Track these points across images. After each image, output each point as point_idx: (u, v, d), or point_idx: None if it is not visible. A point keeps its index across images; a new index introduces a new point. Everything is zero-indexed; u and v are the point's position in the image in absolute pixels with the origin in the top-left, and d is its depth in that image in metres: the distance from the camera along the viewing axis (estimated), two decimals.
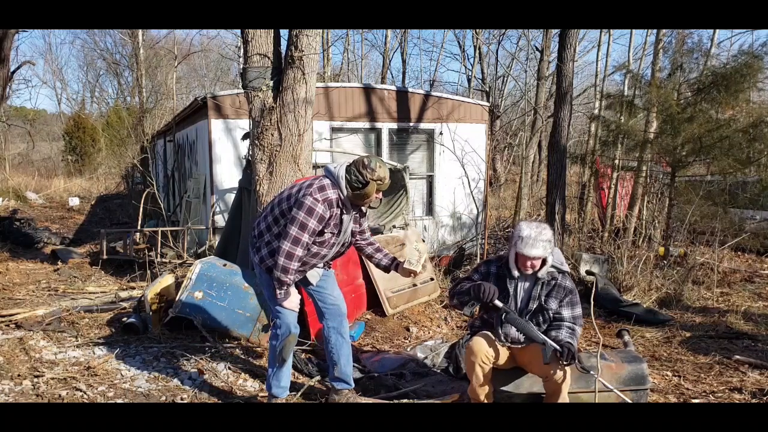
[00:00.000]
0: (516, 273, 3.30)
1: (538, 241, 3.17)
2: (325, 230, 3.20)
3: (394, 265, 3.51)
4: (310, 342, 4.62)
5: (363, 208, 3.41)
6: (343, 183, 3.17)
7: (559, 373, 3.15)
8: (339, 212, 3.22)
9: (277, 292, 3.24)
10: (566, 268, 3.37)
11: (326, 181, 3.20)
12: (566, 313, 3.32)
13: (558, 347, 3.11)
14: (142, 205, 9.10)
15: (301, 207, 3.11)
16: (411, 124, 8.63)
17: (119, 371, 4.16)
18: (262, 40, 4.89)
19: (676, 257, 8.14)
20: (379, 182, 3.17)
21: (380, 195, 3.28)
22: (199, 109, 8.32)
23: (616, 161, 10.95)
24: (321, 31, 5.43)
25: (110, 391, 3.84)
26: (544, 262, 3.25)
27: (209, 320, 4.66)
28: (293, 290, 3.30)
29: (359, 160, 3.19)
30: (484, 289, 3.19)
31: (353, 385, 3.66)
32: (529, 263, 3.23)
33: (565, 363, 3.09)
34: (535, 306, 3.32)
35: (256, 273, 3.53)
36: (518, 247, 3.20)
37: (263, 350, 4.56)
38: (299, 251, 3.14)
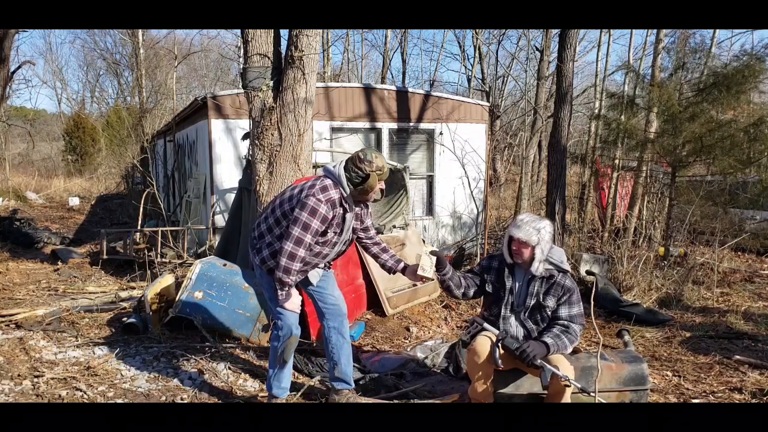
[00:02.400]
0: (508, 258, 3.36)
1: (526, 224, 3.26)
2: (328, 230, 3.20)
3: (400, 268, 3.48)
4: (310, 342, 4.62)
5: (367, 202, 3.40)
6: (344, 181, 3.18)
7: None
8: (342, 211, 3.22)
9: (279, 293, 3.23)
10: (567, 267, 3.36)
11: (328, 181, 3.20)
12: (563, 312, 3.31)
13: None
14: (142, 205, 9.10)
15: (304, 208, 3.10)
16: (411, 124, 8.63)
17: (119, 371, 4.16)
18: (262, 40, 4.89)
19: (676, 257, 8.14)
20: (379, 172, 3.18)
21: (382, 185, 3.28)
22: (199, 109, 8.32)
23: (617, 161, 10.95)
24: (321, 31, 5.42)
25: (110, 391, 3.84)
26: (533, 255, 3.25)
27: (209, 320, 4.67)
28: (294, 291, 3.29)
29: (354, 156, 3.20)
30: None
31: (353, 385, 3.65)
32: (514, 246, 3.29)
33: (523, 360, 3.13)
34: (533, 303, 3.32)
35: (256, 274, 3.52)
36: (509, 228, 3.34)
37: (263, 350, 4.56)
38: (301, 252, 3.13)
